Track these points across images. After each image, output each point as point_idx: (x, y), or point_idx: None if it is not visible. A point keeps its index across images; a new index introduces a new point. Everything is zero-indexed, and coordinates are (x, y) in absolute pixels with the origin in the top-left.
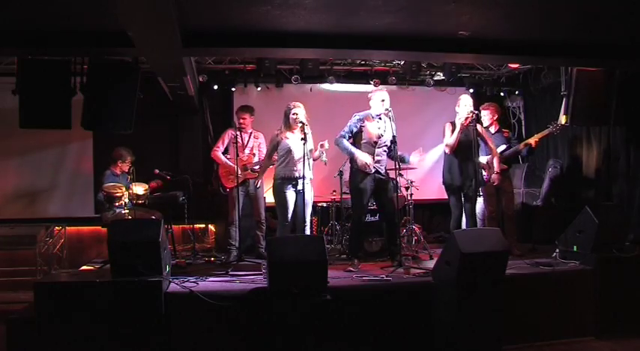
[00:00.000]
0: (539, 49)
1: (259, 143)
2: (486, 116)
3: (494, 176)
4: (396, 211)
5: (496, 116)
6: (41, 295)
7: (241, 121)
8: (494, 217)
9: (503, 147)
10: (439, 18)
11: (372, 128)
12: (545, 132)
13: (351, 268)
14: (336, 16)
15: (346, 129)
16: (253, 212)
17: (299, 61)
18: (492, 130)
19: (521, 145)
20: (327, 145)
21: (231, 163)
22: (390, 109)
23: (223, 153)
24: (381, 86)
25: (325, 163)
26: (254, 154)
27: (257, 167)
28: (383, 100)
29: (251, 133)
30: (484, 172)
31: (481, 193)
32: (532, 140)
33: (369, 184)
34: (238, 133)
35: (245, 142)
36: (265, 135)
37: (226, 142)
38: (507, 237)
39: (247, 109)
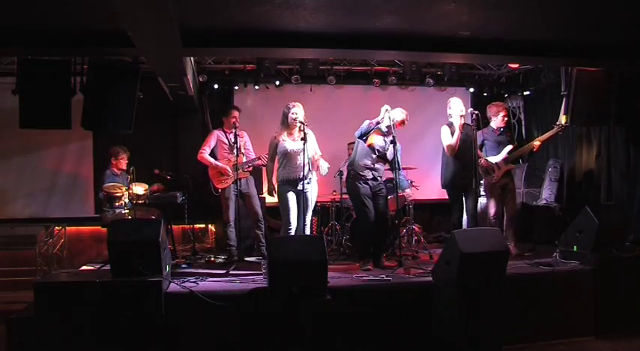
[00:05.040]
0: (539, 49)
1: (245, 142)
2: (500, 114)
3: (483, 162)
4: (387, 217)
5: (507, 117)
6: (41, 295)
7: (237, 119)
8: (494, 218)
9: (509, 147)
10: (439, 18)
11: (377, 139)
12: (552, 132)
13: (369, 268)
14: (336, 16)
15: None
16: (249, 212)
17: (299, 61)
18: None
19: (536, 146)
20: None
21: (220, 164)
22: (388, 107)
23: (211, 155)
24: (399, 110)
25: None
26: (242, 154)
27: (248, 167)
28: (393, 119)
29: (237, 132)
30: (493, 173)
31: (483, 193)
32: (541, 139)
33: (367, 188)
34: (224, 133)
35: (232, 143)
36: (265, 135)
37: (212, 143)
38: (507, 237)
39: (236, 107)
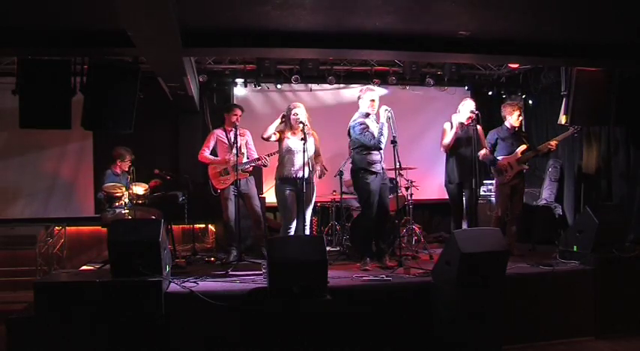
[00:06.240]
0: (539, 49)
1: (246, 141)
2: (515, 114)
3: (482, 153)
4: (389, 211)
5: (521, 116)
6: (41, 295)
7: (238, 117)
8: (500, 218)
9: (523, 147)
10: (439, 18)
11: (374, 129)
12: (567, 133)
13: (367, 268)
14: (336, 16)
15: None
16: (249, 212)
17: (299, 61)
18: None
19: (553, 146)
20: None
21: (217, 158)
22: (388, 108)
23: (212, 155)
24: (370, 86)
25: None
26: (243, 154)
27: (247, 167)
28: (373, 101)
29: (237, 131)
30: (506, 173)
31: (483, 193)
32: (557, 139)
33: (377, 184)
34: (225, 132)
35: (232, 142)
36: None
37: (212, 143)
38: (507, 237)
39: (239, 106)
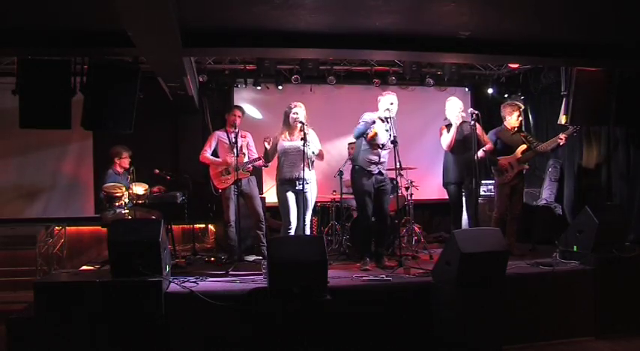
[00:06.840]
0: (539, 49)
1: (247, 143)
2: (515, 114)
3: (481, 153)
4: (389, 214)
5: (521, 117)
6: (41, 295)
7: (238, 119)
8: (500, 218)
9: (523, 147)
10: (439, 18)
11: (380, 131)
12: (569, 132)
13: (367, 268)
14: (336, 16)
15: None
16: (250, 212)
17: (299, 61)
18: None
19: (563, 139)
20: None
21: (218, 160)
22: (389, 107)
23: (213, 156)
24: (389, 92)
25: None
26: (244, 154)
27: (248, 166)
28: (392, 104)
29: (238, 132)
30: (506, 173)
31: (493, 192)
32: (566, 134)
33: (373, 184)
34: (226, 133)
35: (233, 142)
36: (265, 135)
37: (214, 144)
38: (507, 237)
39: (240, 107)
